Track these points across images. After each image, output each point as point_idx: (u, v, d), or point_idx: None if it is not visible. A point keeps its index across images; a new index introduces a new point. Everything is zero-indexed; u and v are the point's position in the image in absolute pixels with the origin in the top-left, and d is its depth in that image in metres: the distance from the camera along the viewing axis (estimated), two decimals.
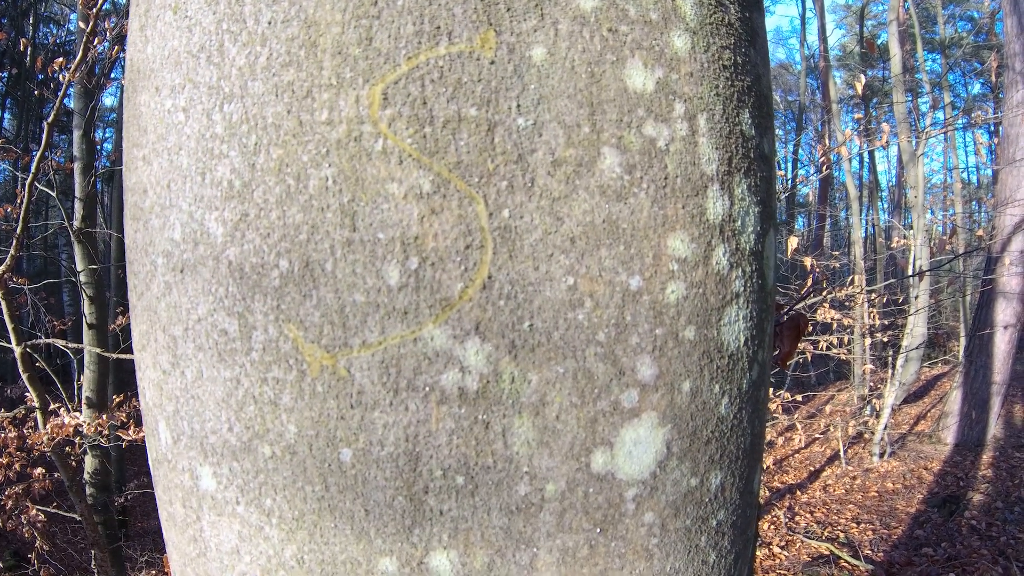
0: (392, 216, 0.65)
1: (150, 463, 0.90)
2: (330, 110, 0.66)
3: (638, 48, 0.70)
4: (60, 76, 5.59)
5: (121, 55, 6.79)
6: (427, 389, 0.66)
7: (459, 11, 0.66)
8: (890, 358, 10.45)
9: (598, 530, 0.71)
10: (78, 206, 7.70)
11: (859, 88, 6.83)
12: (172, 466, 0.81)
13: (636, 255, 0.69)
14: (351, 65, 0.66)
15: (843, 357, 9.26)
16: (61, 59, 5.79)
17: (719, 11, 0.77)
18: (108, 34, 5.97)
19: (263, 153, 0.68)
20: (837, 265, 10.54)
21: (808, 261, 6.55)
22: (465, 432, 0.67)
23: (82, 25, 5.66)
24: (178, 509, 0.82)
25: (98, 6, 4.94)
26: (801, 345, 7.96)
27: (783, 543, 8.03)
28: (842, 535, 8.16)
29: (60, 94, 5.38)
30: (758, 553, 7.64)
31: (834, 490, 9.75)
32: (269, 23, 0.69)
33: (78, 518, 5.80)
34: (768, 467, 10.50)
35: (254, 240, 0.69)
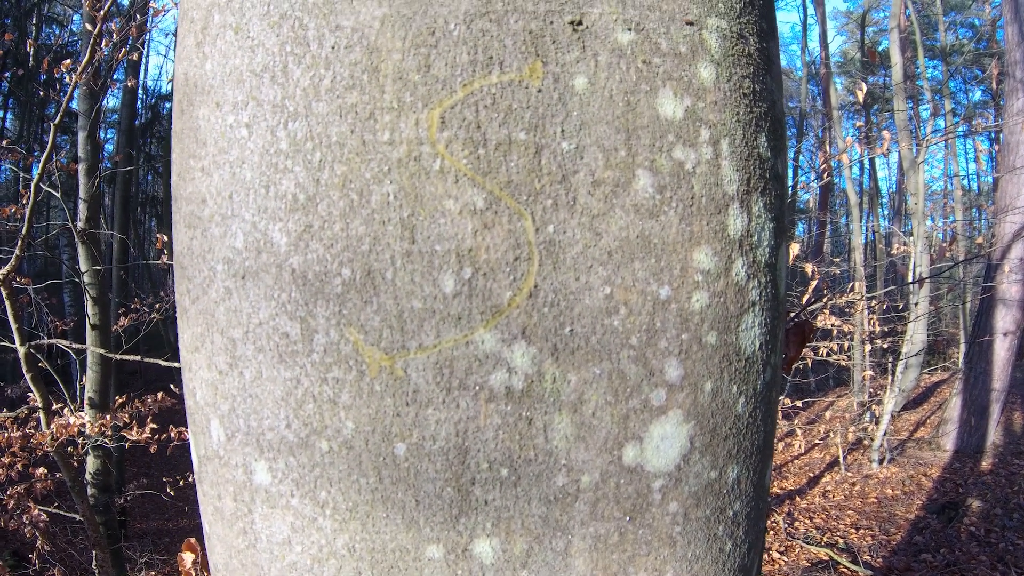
0: (448, 230, 0.72)
1: (196, 461, 0.95)
2: (391, 131, 0.73)
3: (669, 79, 0.77)
4: (67, 78, 5.64)
5: (126, 57, 6.84)
6: (477, 388, 0.73)
7: (509, 43, 0.73)
8: (890, 364, 10.51)
9: (627, 518, 0.78)
10: (82, 207, 7.75)
11: (860, 96, 6.91)
12: (224, 462, 0.87)
13: (666, 267, 0.76)
14: (411, 90, 0.73)
15: (843, 363, 9.31)
16: (68, 61, 5.84)
17: (740, 43, 0.84)
18: (114, 36, 6.02)
19: (327, 169, 0.75)
20: (837, 272, 10.60)
21: (809, 267, 6.63)
22: (510, 427, 0.74)
23: (88, 27, 5.71)
24: (228, 503, 0.88)
25: (105, 8, 5.00)
26: (811, 339, 8.02)
27: (782, 548, 8.07)
28: (841, 541, 8.20)
29: (66, 96, 5.44)
30: None
31: (833, 496, 9.79)
32: (332, 47, 0.76)
33: (79, 518, 5.84)
34: None
35: (317, 250, 0.76)
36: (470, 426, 0.74)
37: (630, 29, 0.76)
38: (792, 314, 1.69)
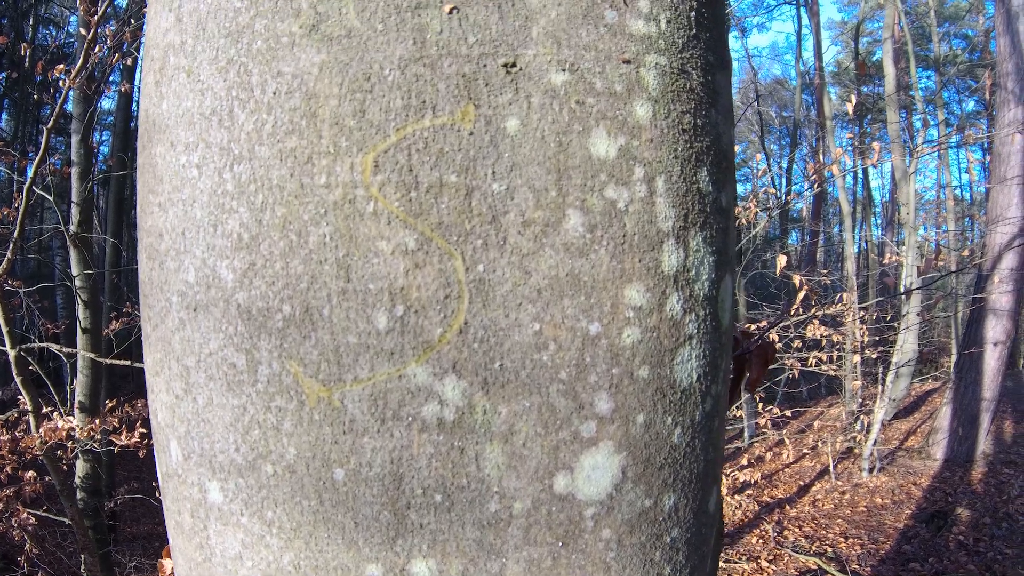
0: (381, 269, 0.75)
1: (160, 476, 0.99)
2: (328, 175, 0.76)
3: (603, 118, 0.80)
4: (60, 82, 5.66)
5: (121, 61, 6.86)
6: (410, 419, 0.76)
7: (442, 87, 0.76)
8: (880, 374, 10.55)
9: (560, 544, 0.80)
10: (75, 211, 7.76)
11: (850, 108, 6.95)
12: (182, 480, 0.90)
13: (595, 304, 0.78)
14: (347, 135, 0.76)
15: (832, 373, 9.35)
16: (62, 65, 5.86)
17: (681, 78, 0.86)
18: (108, 40, 6.04)
19: (269, 211, 0.78)
20: (828, 281, 10.64)
21: (797, 278, 6.67)
22: (443, 456, 0.76)
23: (83, 31, 5.73)
24: (186, 519, 0.91)
25: (99, 13, 5.03)
26: (789, 361, 8.05)
27: (771, 557, 8.08)
28: (830, 550, 8.21)
29: (60, 100, 5.47)
30: (745, 567, 7.69)
31: (823, 505, 9.81)
32: (274, 93, 0.79)
33: (68, 522, 5.84)
34: (757, 481, 10.57)
35: (260, 287, 0.79)
36: (404, 454, 0.76)
37: (564, 70, 0.78)
38: (756, 336, 1.71)
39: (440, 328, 0.75)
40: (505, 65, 0.77)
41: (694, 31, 0.88)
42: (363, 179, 0.75)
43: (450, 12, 0.76)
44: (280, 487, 0.81)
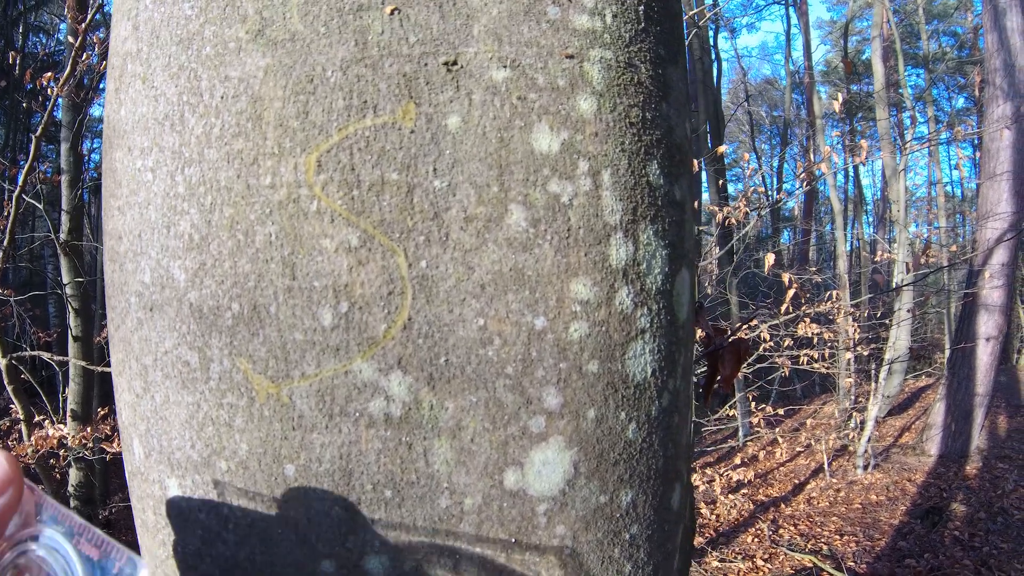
0: (325, 267, 0.76)
1: (126, 475, 1.00)
2: (273, 175, 0.77)
3: (545, 113, 0.80)
4: (49, 89, 5.66)
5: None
6: (357, 414, 0.76)
7: (384, 86, 0.77)
8: (873, 371, 10.58)
9: (513, 540, 0.81)
10: (65, 218, 7.75)
11: (837, 107, 6.98)
12: (144, 478, 0.92)
13: (541, 299, 0.79)
14: (290, 136, 0.77)
15: (825, 371, 9.37)
16: (50, 73, 5.86)
17: (628, 72, 0.87)
18: (97, 47, 6.05)
19: (217, 211, 0.79)
20: (819, 279, 10.67)
21: (786, 276, 6.68)
22: (391, 452, 0.77)
23: (71, 39, 5.73)
24: (150, 516, 0.93)
25: (87, 21, 5.03)
26: (781, 360, 8.07)
27: (766, 556, 8.09)
28: (825, 547, 8.22)
29: (48, 108, 5.47)
30: (742, 566, 7.69)
31: (818, 502, 9.82)
32: (222, 97, 0.80)
33: None
34: (752, 480, 10.57)
35: (210, 286, 0.80)
36: (352, 450, 0.77)
37: (505, 66, 0.79)
38: (728, 333, 1.71)
39: (384, 324, 0.76)
40: (446, 63, 0.78)
41: (643, 25, 0.89)
42: (307, 179, 0.76)
43: (391, 13, 0.77)
44: (234, 483, 0.82)
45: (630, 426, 0.87)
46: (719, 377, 1.68)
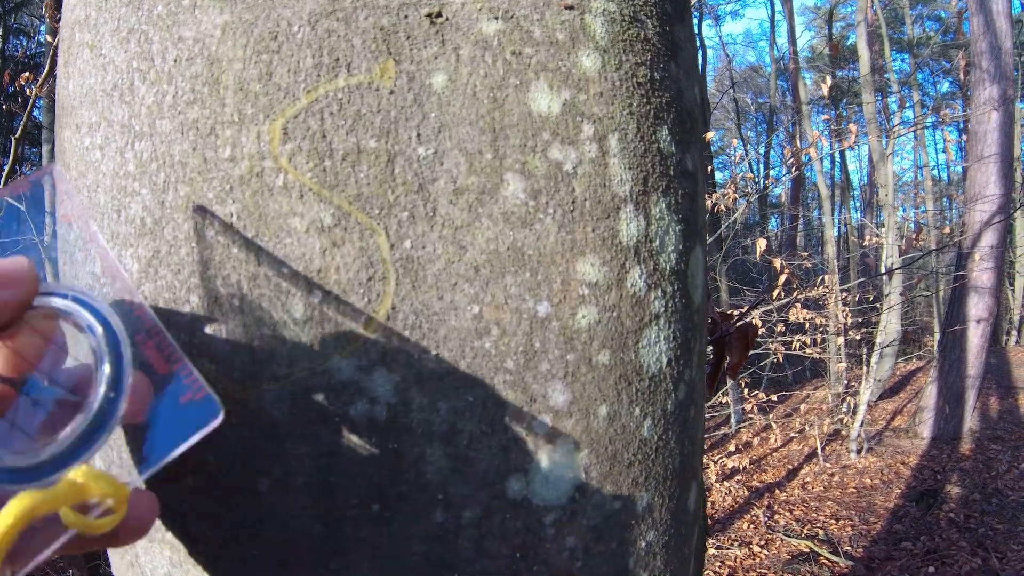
0: (295, 250, 0.65)
1: None
2: (232, 146, 0.67)
3: (543, 70, 0.70)
4: (28, 91, 5.53)
5: None
6: (337, 420, 0.66)
7: (358, 42, 0.66)
8: (864, 355, 10.57)
9: (518, 555, 0.71)
10: (48, 220, 7.60)
11: (826, 90, 6.91)
12: None
13: (543, 281, 0.69)
14: (252, 101, 0.66)
15: (817, 356, 9.34)
16: (28, 73, 5.74)
17: (634, 27, 0.77)
18: None
19: (171, 191, 0.69)
20: (809, 265, 10.63)
21: (777, 262, 6.62)
22: (377, 461, 0.67)
23: (49, 39, 5.59)
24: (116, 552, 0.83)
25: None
26: (773, 345, 8.02)
27: (763, 542, 8.07)
28: (821, 532, 8.20)
29: (27, 108, 5.32)
30: (738, 553, 7.67)
31: (812, 487, 9.81)
32: (175, 61, 0.69)
33: None
34: (746, 467, 10.56)
35: (166, 276, 0.69)
36: (333, 460, 0.67)
37: (497, 18, 0.69)
38: (736, 318, 1.63)
39: (364, 315, 0.65)
40: (429, 15, 0.67)
41: None
42: (271, 149, 0.66)
43: None
44: (201, 500, 0.71)
45: (645, 423, 0.78)
46: (727, 363, 1.59)
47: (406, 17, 0.67)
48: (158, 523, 0.76)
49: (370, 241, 0.65)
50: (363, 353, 0.65)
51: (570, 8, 0.72)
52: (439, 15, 0.67)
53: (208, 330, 0.68)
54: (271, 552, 0.70)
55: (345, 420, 0.66)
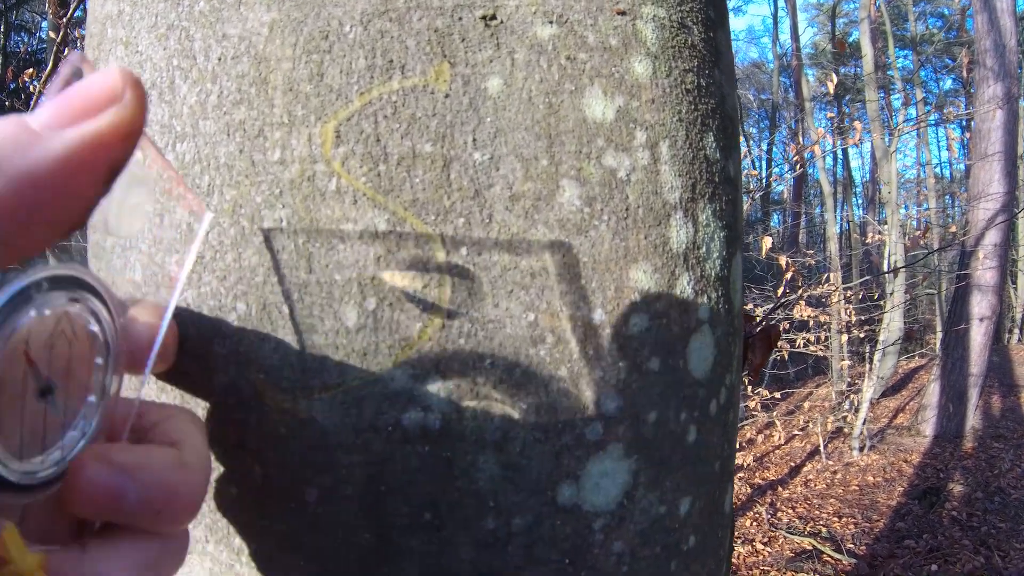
0: (348, 257, 0.64)
1: None
2: (282, 149, 0.65)
3: (597, 76, 0.69)
4: (31, 87, 5.53)
5: None
6: (389, 429, 0.65)
7: (412, 44, 0.65)
8: (867, 353, 10.57)
9: (567, 560, 0.71)
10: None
11: (831, 87, 6.89)
12: None
13: (598, 289, 0.68)
14: (303, 102, 0.65)
15: (820, 353, 9.34)
16: (31, 70, 5.73)
17: (682, 33, 0.76)
18: (79, 43, 5.90)
19: (216, 194, 0.67)
20: (813, 262, 10.63)
21: (783, 260, 6.61)
22: (429, 469, 0.66)
23: (52, 35, 5.58)
24: None
25: (68, 15, 4.88)
26: (779, 343, 8.03)
27: (766, 539, 8.08)
28: (824, 530, 8.22)
29: (31, 105, 5.32)
30: (741, 551, 7.68)
31: (815, 485, 9.82)
32: (219, 59, 0.68)
33: None
34: (749, 464, 10.57)
35: (211, 283, 0.68)
36: (385, 469, 0.66)
37: (551, 22, 0.68)
38: (759, 319, 1.64)
39: (419, 323, 0.64)
40: (484, 17, 0.66)
41: None
42: (323, 152, 0.64)
43: None
44: (246, 511, 0.70)
45: (690, 428, 0.77)
46: (749, 365, 1.59)
47: (460, 19, 0.66)
48: (196, 535, 0.75)
49: (425, 248, 0.64)
50: (417, 361, 0.64)
51: (622, 14, 0.70)
52: (493, 17, 0.66)
53: (254, 338, 0.67)
54: (318, 562, 0.69)
55: (397, 429, 0.65)
